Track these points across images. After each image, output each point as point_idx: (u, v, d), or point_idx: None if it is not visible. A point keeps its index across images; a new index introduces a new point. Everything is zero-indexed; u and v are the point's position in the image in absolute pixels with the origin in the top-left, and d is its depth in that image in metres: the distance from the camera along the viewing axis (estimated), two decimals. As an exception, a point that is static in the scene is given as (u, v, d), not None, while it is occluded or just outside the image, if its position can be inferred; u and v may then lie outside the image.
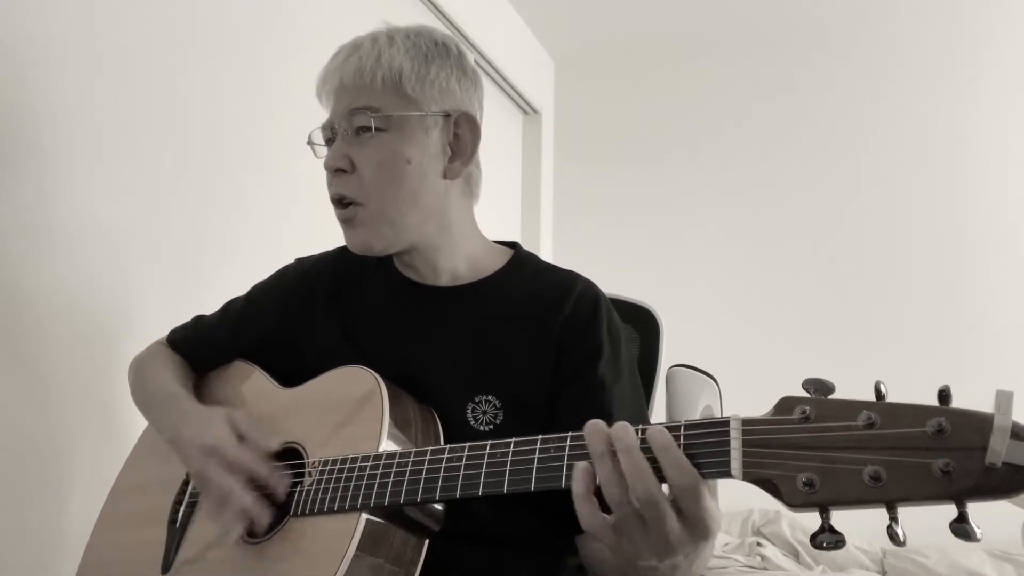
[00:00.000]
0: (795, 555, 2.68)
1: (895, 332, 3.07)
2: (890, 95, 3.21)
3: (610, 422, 0.88)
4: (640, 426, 0.66)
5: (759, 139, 3.38)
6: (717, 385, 1.38)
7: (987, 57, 3.12)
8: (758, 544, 2.68)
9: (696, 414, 1.31)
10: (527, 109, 3.56)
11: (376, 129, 0.93)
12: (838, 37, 3.31)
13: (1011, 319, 2.97)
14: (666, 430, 0.64)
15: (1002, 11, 3.10)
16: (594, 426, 0.66)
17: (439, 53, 0.96)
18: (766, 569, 2.57)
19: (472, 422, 0.91)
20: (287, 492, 0.85)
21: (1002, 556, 2.54)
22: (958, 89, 3.14)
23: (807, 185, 3.28)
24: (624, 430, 0.65)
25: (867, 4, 3.22)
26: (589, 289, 0.99)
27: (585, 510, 0.65)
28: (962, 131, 3.12)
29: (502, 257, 1.04)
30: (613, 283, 1.12)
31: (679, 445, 0.63)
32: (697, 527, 0.64)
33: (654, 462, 0.63)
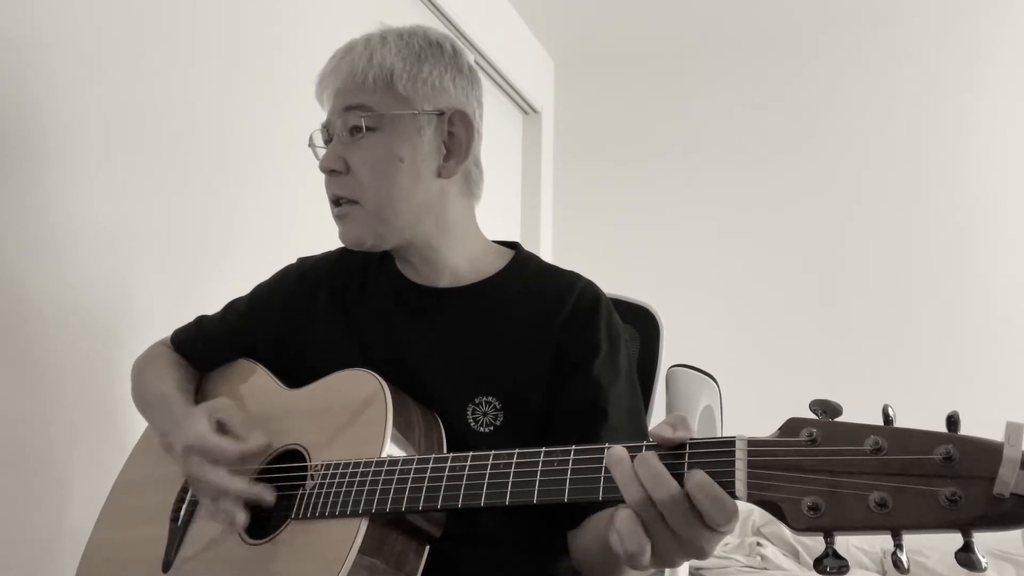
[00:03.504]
0: (795, 555, 2.68)
1: (900, 332, 3.07)
2: (895, 96, 3.21)
3: (604, 422, 0.88)
4: (644, 443, 0.65)
5: (760, 140, 3.38)
6: (717, 385, 1.38)
7: (993, 58, 3.12)
8: (758, 544, 2.68)
9: (696, 414, 1.31)
10: (527, 109, 3.56)
11: (368, 129, 0.93)
12: (841, 38, 3.31)
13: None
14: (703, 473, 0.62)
15: (1007, 11, 3.09)
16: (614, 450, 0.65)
17: (432, 52, 0.96)
18: (766, 569, 2.57)
19: (472, 423, 0.91)
20: (274, 497, 0.86)
21: (1002, 556, 2.54)
22: (963, 92, 3.13)
23: (809, 185, 3.28)
24: (645, 455, 0.64)
25: (871, 5, 3.22)
26: (589, 289, 0.99)
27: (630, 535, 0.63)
28: (970, 133, 3.10)
29: (503, 258, 1.04)
30: (613, 283, 1.12)
31: (684, 463, 0.62)
32: (727, 528, 0.63)
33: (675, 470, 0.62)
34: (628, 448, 0.65)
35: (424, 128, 0.94)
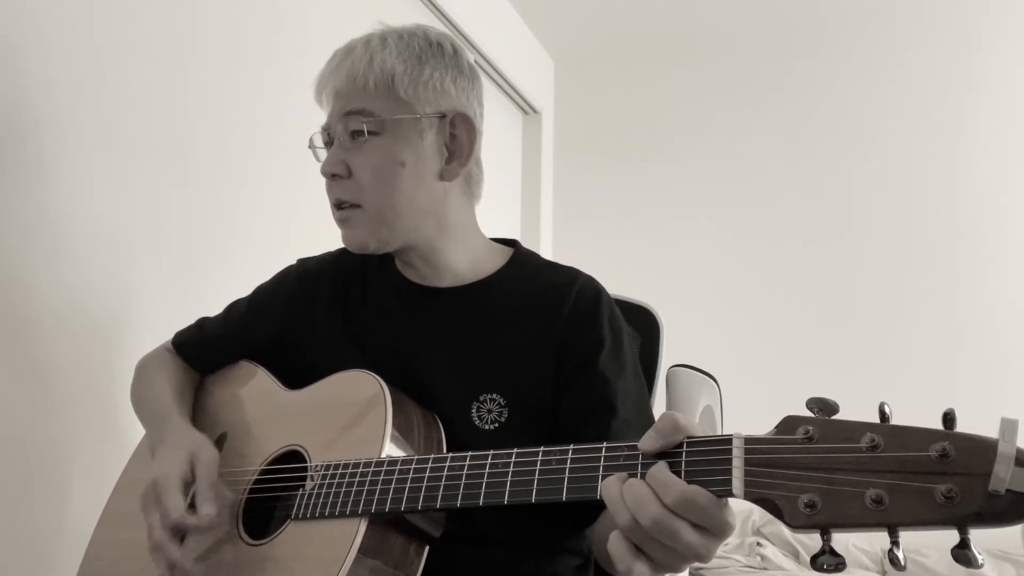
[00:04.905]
0: (795, 555, 2.68)
1: (897, 330, 3.07)
2: (892, 93, 3.21)
3: (614, 416, 0.88)
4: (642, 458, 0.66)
5: (759, 139, 3.38)
6: (717, 385, 1.39)
7: (992, 57, 3.12)
8: (758, 544, 2.68)
9: (696, 414, 1.31)
10: (527, 109, 3.56)
11: (370, 133, 0.92)
12: (838, 36, 3.31)
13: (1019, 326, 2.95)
14: (665, 465, 0.63)
15: (1007, 11, 3.09)
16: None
17: (433, 53, 0.95)
18: (766, 569, 2.57)
19: (477, 421, 0.91)
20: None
21: (1002, 556, 2.54)
22: (962, 91, 3.13)
23: (809, 184, 3.28)
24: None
25: (871, 5, 3.22)
26: (590, 285, 0.99)
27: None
28: (970, 133, 3.10)
29: (502, 256, 1.04)
30: (613, 283, 1.12)
31: (681, 461, 0.63)
32: (719, 531, 0.63)
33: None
34: (623, 455, 0.66)
35: (426, 131, 0.94)
